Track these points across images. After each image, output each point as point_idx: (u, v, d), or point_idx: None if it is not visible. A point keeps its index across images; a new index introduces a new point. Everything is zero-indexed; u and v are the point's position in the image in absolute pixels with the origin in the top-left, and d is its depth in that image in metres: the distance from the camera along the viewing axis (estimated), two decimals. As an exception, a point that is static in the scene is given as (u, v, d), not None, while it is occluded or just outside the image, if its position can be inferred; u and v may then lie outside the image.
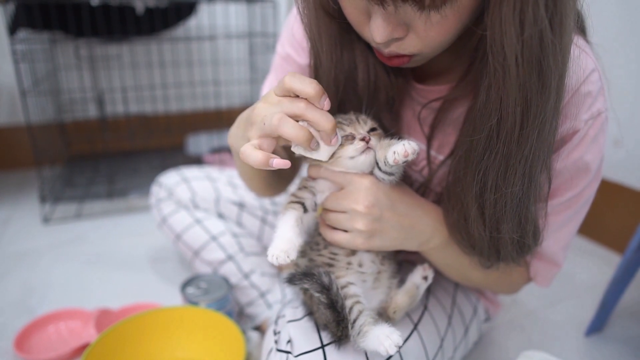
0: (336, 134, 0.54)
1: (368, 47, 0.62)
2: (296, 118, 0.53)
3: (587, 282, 1.29)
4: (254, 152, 0.53)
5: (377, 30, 0.50)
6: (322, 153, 0.56)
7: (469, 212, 0.59)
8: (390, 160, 0.54)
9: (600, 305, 1.05)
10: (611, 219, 1.44)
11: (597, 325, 1.07)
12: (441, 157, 0.68)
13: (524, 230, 0.60)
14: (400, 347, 0.55)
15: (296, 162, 0.72)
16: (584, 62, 0.57)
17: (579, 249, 1.46)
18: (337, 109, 0.65)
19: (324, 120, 0.52)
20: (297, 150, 0.57)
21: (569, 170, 0.61)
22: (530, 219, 0.60)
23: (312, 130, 0.54)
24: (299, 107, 0.52)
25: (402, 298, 0.65)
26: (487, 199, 0.56)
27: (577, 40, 0.58)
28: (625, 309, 1.14)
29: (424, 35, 0.50)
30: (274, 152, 0.56)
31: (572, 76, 0.55)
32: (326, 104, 0.53)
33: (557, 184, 0.63)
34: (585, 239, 1.52)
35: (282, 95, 0.54)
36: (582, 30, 0.62)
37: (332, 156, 0.57)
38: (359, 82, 0.64)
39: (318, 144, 0.55)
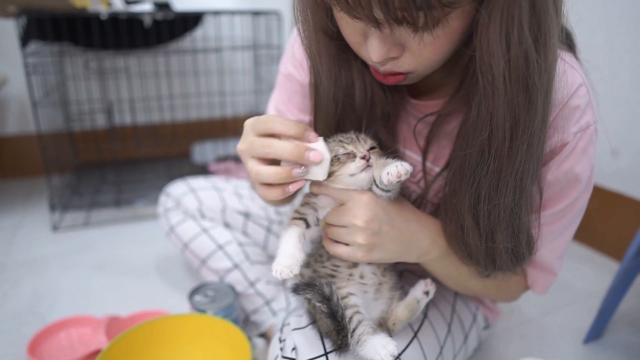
0: (314, 149, 0.57)
1: (365, 65, 0.65)
2: (268, 157, 0.58)
3: (585, 289, 1.31)
4: (270, 193, 0.59)
5: (373, 51, 0.53)
6: (318, 174, 0.59)
7: (465, 223, 0.62)
8: (385, 180, 0.57)
9: (598, 313, 1.06)
10: (609, 227, 1.46)
11: (596, 333, 1.09)
12: (437, 169, 0.71)
13: (518, 240, 0.62)
14: (396, 357, 0.58)
15: None
16: (571, 77, 0.60)
17: (578, 256, 1.48)
18: (336, 124, 0.69)
19: (288, 152, 0.56)
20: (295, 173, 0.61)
21: (560, 181, 0.64)
22: (523, 228, 0.62)
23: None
24: (265, 152, 0.57)
25: (402, 311, 0.67)
26: (481, 210, 0.59)
27: (566, 56, 0.61)
28: (624, 316, 1.16)
29: (418, 55, 0.53)
30: None
31: (560, 91, 0.58)
32: (312, 136, 0.57)
33: (549, 195, 0.65)
34: (584, 246, 1.54)
35: (262, 134, 0.58)
36: (571, 47, 0.65)
37: (332, 174, 0.60)
38: (356, 99, 0.67)
39: (306, 168, 0.58)
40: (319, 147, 0.58)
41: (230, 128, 2.15)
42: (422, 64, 0.55)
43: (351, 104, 0.67)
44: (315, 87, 0.68)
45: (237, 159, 2.04)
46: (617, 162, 1.42)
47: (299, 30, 0.65)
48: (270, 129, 0.58)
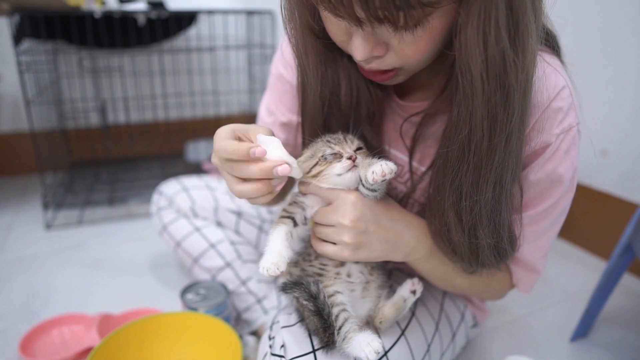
0: (258, 146, 0.58)
1: (351, 64, 0.67)
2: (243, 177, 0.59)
3: (572, 288, 1.32)
4: (258, 200, 0.61)
5: (357, 49, 0.55)
6: (294, 174, 0.60)
7: (448, 219, 0.63)
8: (370, 179, 0.59)
9: (585, 311, 1.08)
10: (597, 227, 1.48)
11: (582, 331, 1.10)
12: (423, 169, 0.73)
13: (499, 236, 0.64)
14: (380, 354, 0.60)
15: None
16: (554, 79, 0.62)
17: (566, 255, 1.50)
18: (323, 123, 0.70)
19: (248, 171, 0.57)
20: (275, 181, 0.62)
21: (543, 182, 0.65)
22: (505, 225, 0.64)
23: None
24: (239, 174, 0.58)
25: (389, 310, 0.68)
26: (463, 207, 0.61)
27: (550, 58, 0.63)
28: (610, 314, 1.18)
29: (401, 54, 0.55)
30: None
31: (543, 92, 0.60)
32: (257, 152, 0.57)
33: (533, 195, 0.67)
34: (571, 245, 1.55)
35: (223, 160, 0.59)
36: (555, 50, 0.67)
37: (319, 174, 0.62)
38: (342, 97, 0.68)
39: (279, 179, 0.60)
40: (277, 155, 0.58)
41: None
42: (406, 62, 0.56)
43: (337, 103, 0.69)
44: (303, 86, 0.69)
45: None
46: (605, 162, 1.44)
47: (285, 28, 0.66)
48: (222, 156, 0.58)
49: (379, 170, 0.57)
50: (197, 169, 1.98)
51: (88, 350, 0.95)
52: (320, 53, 0.65)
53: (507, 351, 1.05)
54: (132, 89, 1.98)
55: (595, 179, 1.48)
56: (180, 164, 2.07)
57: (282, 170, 0.57)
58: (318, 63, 0.66)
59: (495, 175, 0.57)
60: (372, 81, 0.68)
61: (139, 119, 2.04)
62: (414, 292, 0.69)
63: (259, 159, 0.57)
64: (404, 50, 0.54)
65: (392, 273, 0.90)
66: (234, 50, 2.10)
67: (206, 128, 2.17)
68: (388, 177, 0.57)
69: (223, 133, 0.59)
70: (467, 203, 0.60)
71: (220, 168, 0.61)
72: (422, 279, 0.73)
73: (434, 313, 0.83)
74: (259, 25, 1.92)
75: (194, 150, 2.08)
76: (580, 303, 1.19)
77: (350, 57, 0.64)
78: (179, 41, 1.97)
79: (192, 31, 1.97)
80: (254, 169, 0.57)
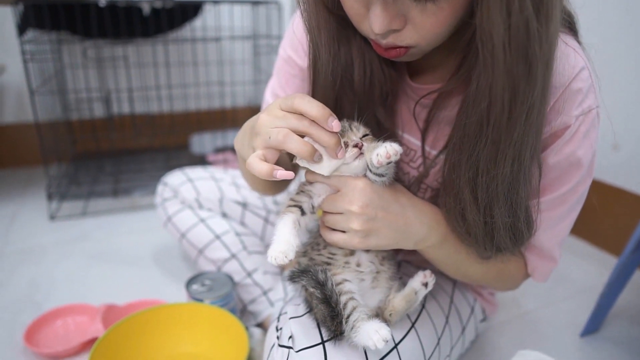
0: (341, 147, 0.57)
1: (365, 43, 0.65)
2: (300, 134, 0.56)
3: (583, 283, 1.31)
4: (259, 165, 0.56)
5: (376, 21, 0.52)
6: (324, 168, 0.59)
7: (464, 197, 0.61)
8: (375, 162, 0.57)
9: (595, 307, 1.07)
10: (608, 222, 1.46)
11: (593, 327, 1.09)
12: (436, 153, 0.71)
13: (516, 215, 0.62)
14: (389, 342, 0.58)
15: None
16: (574, 60, 0.60)
17: (576, 251, 1.48)
18: (334, 103, 0.68)
19: (328, 137, 0.55)
20: (302, 163, 0.60)
21: (561, 165, 0.64)
22: (522, 204, 0.62)
23: (316, 145, 0.57)
24: (303, 124, 0.56)
25: (399, 302, 0.66)
26: (480, 183, 0.59)
27: (568, 39, 0.61)
28: (621, 310, 1.16)
29: (421, 27, 0.53)
30: (278, 159, 0.59)
31: (562, 73, 0.58)
32: (335, 124, 0.55)
33: (551, 179, 0.65)
34: (582, 241, 1.54)
35: (288, 111, 0.57)
36: (573, 31, 0.65)
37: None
38: (355, 78, 0.66)
39: (321, 156, 0.58)
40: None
41: (230, 119, 2.14)
42: (424, 37, 0.54)
43: (350, 83, 0.67)
44: (314, 62, 0.67)
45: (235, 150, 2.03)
46: (616, 156, 1.42)
47: (298, 3, 0.64)
48: (293, 105, 0.56)
49: (383, 152, 0.56)
50: (202, 161, 1.97)
51: (92, 341, 0.95)
52: (333, 30, 0.63)
53: (517, 346, 1.04)
54: (137, 80, 1.97)
55: (606, 173, 1.46)
56: (185, 156, 2.06)
57: (341, 154, 0.57)
58: (331, 40, 0.64)
59: (514, 150, 0.55)
60: (385, 61, 0.66)
61: (143, 110, 2.03)
62: (425, 284, 0.67)
63: (331, 130, 0.55)
64: (423, 22, 0.52)
65: (400, 265, 0.88)
66: (240, 40, 2.09)
67: (211, 120, 2.16)
68: (393, 158, 0.56)
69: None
70: (484, 179, 0.58)
71: (274, 118, 0.57)
72: (433, 269, 0.71)
73: (444, 306, 0.82)
74: (265, 15, 1.90)
75: (199, 143, 2.07)
76: (590, 298, 1.17)
77: (363, 36, 0.63)
78: (184, 32, 1.96)
79: (197, 22, 1.95)
80: (322, 134, 0.55)
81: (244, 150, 0.67)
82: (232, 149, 2.05)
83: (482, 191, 0.59)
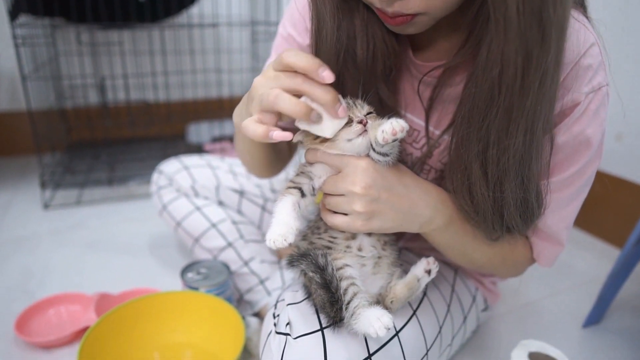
0: (341, 103, 0.55)
1: (368, 15, 0.62)
2: (294, 92, 0.54)
3: (586, 274, 1.29)
4: (253, 126, 0.54)
5: None
6: (326, 129, 0.56)
7: (472, 172, 0.59)
8: (380, 139, 0.54)
9: (598, 298, 1.06)
10: (611, 213, 1.44)
11: (595, 317, 1.08)
12: (439, 133, 0.68)
13: (527, 190, 0.60)
14: (391, 330, 0.56)
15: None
16: (583, 35, 0.58)
17: (579, 242, 1.47)
18: (337, 77, 0.66)
19: (322, 92, 0.53)
20: (302, 126, 0.57)
21: (570, 144, 0.61)
22: (533, 178, 0.60)
23: (315, 105, 0.54)
24: (295, 81, 0.53)
25: (401, 289, 0.64)
26: (490, 156, 0.56)
27: (578, 15, 0.58)
28: (623, 301, 1.15)
29: None
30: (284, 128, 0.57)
31: (572, 49, 0.56)
32: (326, 75, 0.53)
33: (560, 159, 0.63)
34: (585, 232, 1.52)
35: (280, 70, 0.55)
36: (582, 7, 0.63)
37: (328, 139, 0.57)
38: (357, 52, 0.64)
39: (320, 116, 0.55)
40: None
41: (227, 108, 2.11)
42: (431, 5, 0.52)
43: (352, 57, 0.64)
44: (317, 34, 0.64)
45: (233, 139, 2.01)
46: (619, 146, 1.40)
47: None
48: (282, 61, 0.54)
49: (389, 128, 0.53)
50: (198, 150, 1.94)
51: (85, 330, 0.92)
52: (337, 2, 0.61)
53: (518, 336, 1.02)
54: (132, 67, 1.94)
55: (609, 163, 1.44)
56: (181, 146, 2.04)
57: (342, 111, 0.54)
58: (335, 11, 0.61)
59: (527, 120, 0.53)
60: (389, 35, 0.63)
61: (139, 98, 2.00)
62: (428, 272, 0.65)
63: (322, 81, 0.53)
64: None
65: (400, 252, 0.86)
66: (238, 27, 2.05)
67: (208, 109, 2.13)
68: (399, 135, 0.53)
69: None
70: (495, 151, 0.56)
71: (267, 79, 0.55)
72: (435, 257, 0.69)
73: (446, 295, 0.80)
74: (263, 1, 1.87)
75: (196, 132, 2.04)
76: (593, 290, 1.15)
77: (366, 7, 0.60)
78: (181, 18, 1.92)
79: (194, 8, 1.92)
80: (316, 89, 0.53)
81: (240, 118, 0.64)
82: (230, 139, 2.02)
83: (493, 165, 0.57)
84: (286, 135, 0.54)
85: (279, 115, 0.56)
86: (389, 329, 0.54)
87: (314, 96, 0.53)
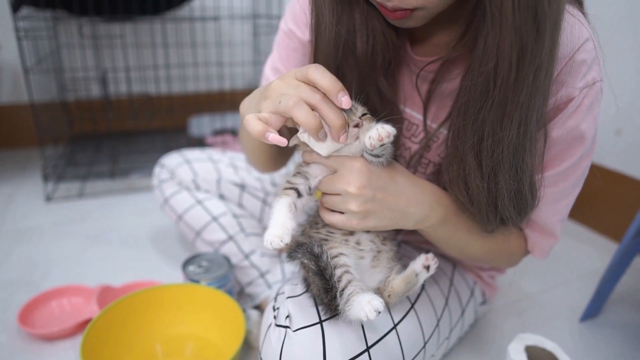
0: (345, 131, 0.56)
1: (368, 8, 0.63)
2: (309, 106, 0.54)
3: (583, 268, 1.30)
4: (254, 122, 0.55)
5: None
6: (324, 148, 0.58)
7: (467, 164, 0.60)
8: (368, 145, 0.56)
9: (595, 292, 1.06)
10: (609, 207, 1.44)
11: (592, 311, 1.08)
12: (437, 127, 0.69)
13: (521, 182, 0.61)
14: (393, 327, 0.56)
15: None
16: (578, 30, 0.58)
17: (577, 236, 1.47)
18: (336, 71, 0.67)
19: (336, 116, 0.54)
20: (303, 138, 0.59)
21: (564, 139, 0.62)
22: (526, 171, 0.60)
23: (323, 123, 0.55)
24: (314, 97, 0.54)
25: (398, 284, 0.65)
26: (485, 148, 0.58)
27: (573, 10, 0.59)
28: (621, 296, 1.16)
29: None
30: (279, 130, 0.58)
31: (566, 44, 0.57)
32: (345, 100, 0.54)
33: (554, 153, 0.64)
34: (583, 226, 1.53)
35: (302, 81, 0.56)
36: (578, 2, 0.63)
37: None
38: (357, 45, 0.65)
39: (326, 135, 0.56)
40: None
41: (228, 101, 2.12)
42: (429, 0, 0.53)
43: (352, 50, 0.65)
44: (317, 27, 0.65)
45: (234, 132, 2.01)
46: (618, 140, 1.40)
47: None
48: (307, 74, 0.55)
49: (375, 134, 0.55)
50: (200, 143, 1.95)
51: (87, 322, 0.94)
52: None
53: (516, 329, 1.03)
54: (134, 60, 1.94)
55: (608, 158, 1.44)
56: (183, 139, 2.04)
57: (343, 138, 0.56)
58: (334, 4, 0.62)
59: (521, 113, 0.54)
60: (388, 28, 0.64)
61: (141, 91, 2.00)
62: (427, 267, 0.66)
63: (340, 105, 0.54)
64: None
65: (399, 246, 0.87)
66: (239, 20, 2.05)
67: (210, 102, 2.13)
68: (386, 141, 0.55)
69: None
70: (489, 143, 0.57)
71: (287, 85, 0.56)
72: (433, 252, 0.70)
73: (444, 288, 0.81)
74: (265, -5, 1.87)
75: (198, 125, 2.04)
76: (590, 283, 1.16)
77: (366, 0, 0.61)
78: (183, 11, 1.92)
79: (196, 2, 1.92)
80: (331, 112, 0.54)
81: (247, 111, 0.65)
82: (231, 132, 2.02)
83: (487, 156, 0.58)
84: (281, 140, 0.55)
85: (286, 121, 0.57)
86: (379, 312, 0.55)
87: (327, 118, 0.54)
